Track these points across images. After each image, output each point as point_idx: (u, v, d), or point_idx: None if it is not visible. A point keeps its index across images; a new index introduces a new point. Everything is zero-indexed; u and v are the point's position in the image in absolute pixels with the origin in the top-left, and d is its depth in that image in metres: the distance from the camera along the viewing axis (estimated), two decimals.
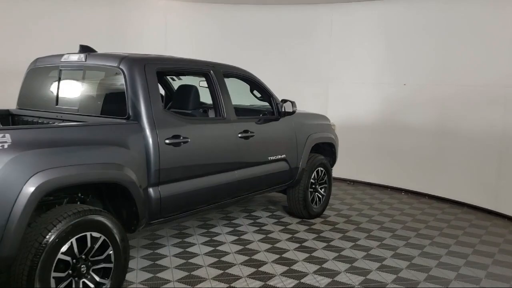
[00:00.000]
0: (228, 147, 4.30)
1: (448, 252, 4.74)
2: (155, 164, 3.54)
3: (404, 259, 4.49)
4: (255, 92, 5.17)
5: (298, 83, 8.08)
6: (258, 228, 5.27)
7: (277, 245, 4.75)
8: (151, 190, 3.56)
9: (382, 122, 7.57)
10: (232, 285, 3.78)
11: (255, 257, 4.40)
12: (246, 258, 4.36)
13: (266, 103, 5.25)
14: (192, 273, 3.99)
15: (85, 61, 3.84)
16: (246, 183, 4.57)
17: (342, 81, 7.89)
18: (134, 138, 3.46)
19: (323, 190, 5.85)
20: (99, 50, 4.17)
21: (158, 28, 8.25)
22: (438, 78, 6.86)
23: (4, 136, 2.71)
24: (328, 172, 5.89)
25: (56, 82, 4.06)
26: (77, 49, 4.01)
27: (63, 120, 3.82)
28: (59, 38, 7.00)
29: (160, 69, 3.88)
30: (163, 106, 3.74)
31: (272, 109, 5.10)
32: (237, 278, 3.92)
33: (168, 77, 5.58)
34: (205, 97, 4.81)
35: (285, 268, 4.15)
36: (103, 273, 3.15)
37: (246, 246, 4.67)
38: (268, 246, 4.71)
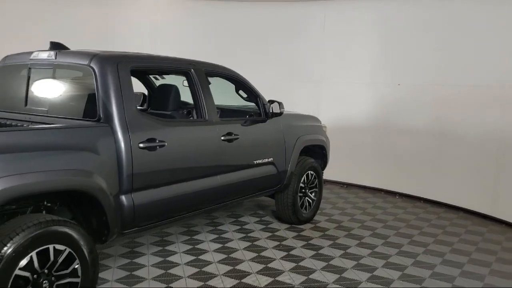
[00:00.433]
0: (210, 151, 4.06)
1: (442, 261, 4.51)
2: (128, 169, 3.29)
3: (396, 269, 4.25)
4: (241, 92, 4.92)
5: (290, 83, 7.84)
6: (245, 235, 5.03)
7: (263, 253, 4.51)
8: (123, 197, 3.31)
9: (376, 123, 7.33)
10: None
11: (239, 267, 4.16)
12: (229, 268, 4.12)
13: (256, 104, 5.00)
14: (170, 284, 3.74)
15: (55, 59, 3.58)
16: (230, 188, 4.32)
17: (335, 81, 7.65)
18: (105, 142, 3.21)
19: (313, 194, 5.61)
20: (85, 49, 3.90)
21: (145, 26, 8.01)
22: (434, 78, 6.63)
23: None
24: (319, 175, 5.65)
25: (26, 82, 3.80)
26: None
27: (32, 122, 3.56)
28: (43, 38, 6.73)
29: (135, 67, 3.63)
30: (137, 108, 3.48)
31: (259, 110, 4.86)
32: None
33: (151, 76, 5.33)
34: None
35: (269, 280, 3.91)
36: None
37: (230, 255, 4.42)
38: (254, 255, 4.47)
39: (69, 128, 3.16)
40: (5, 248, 2.58)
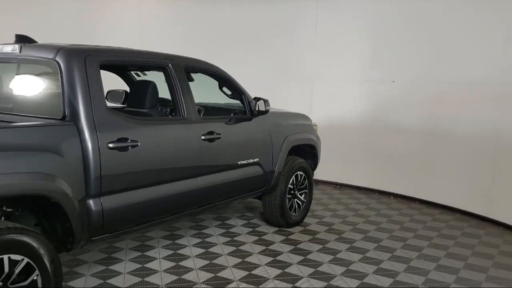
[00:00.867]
0: (189, 151, 3.81)
1: (437, 267, 4.27)
2: (95, 172, 3.04)
3: (387, 275, 4.02)
4: (226, 89, 4.68)
5: (282, 82, 7.59)
6: (230, 239, 4.79)
7: (248, 259, 4.27)
8: (91, 202, 3.07)
9: (370, 122, 7.08)
10: None
11: (221, 274, 3.92)
12: (211, 275, 3.88)
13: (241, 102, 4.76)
14: None
15: (20, 52, 3.32)
16: (211, 191, 4.08)
17: (327, 78, 7.39)
18: (70, 142, 2.97)
19: (303, 196, 5.37)
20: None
21: (133, 23, 7.76)
22: (428, 75, 6.38)
23: None
24: (309, 176, 5.41)
25: None
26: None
27: None
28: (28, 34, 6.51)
29: (105, 62, 3.38)
30: (107, 105, 3.23)
31: (244, 108, 4.62)
32: None
33: (132, 72, 5.08)
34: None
35: None
36: None
37: (212, 261, 4.18)
38: (238, 260, 4.22)
39: (29, 127, 2.91)
40: None
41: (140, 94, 3.84)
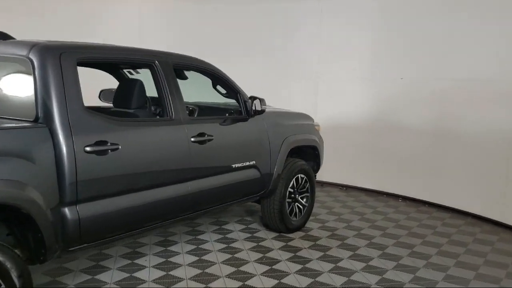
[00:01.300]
0: (176, 154, 3.57)
1: (445, 277, 3.98)
2: (70, 178, 2.82)
3: (391, 287, 3.74)
4: (220, 88, 4.44)
5: (285, 81, 7.32)
6: (226, 245, 4.54)
7: (243, 268, 4.02)
8: (66, 210, 2.85)
9: (378, 121, 6.77)
10: None
11: (213, 284, 3.68)
12: (201, 286, 3.64)
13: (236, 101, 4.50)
14: None
15: None
16: (202, 196, 3.84)
17: (332, 77, 7.09)
18: (42, 146, 2.75)
19: (304, 200, 5.10)
20: None
21: (133, 23, 7.58)
22: (440, 71, 6.04)
23: None
24: (311, 179, 5.13)
25: None
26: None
27: None
28: (26, 33, 6.34)
29: (83, 59, 3.15)
30: (84, 106, 3.00)
31: (240, 108, 4.36)
32: None
33: (125, 71, 4.85)
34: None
35: None
36: None
37: (205, 270, 3.94)
38: (232, 269, 3.98)
39: None
40: None
41: (126, 93, 3.61)
